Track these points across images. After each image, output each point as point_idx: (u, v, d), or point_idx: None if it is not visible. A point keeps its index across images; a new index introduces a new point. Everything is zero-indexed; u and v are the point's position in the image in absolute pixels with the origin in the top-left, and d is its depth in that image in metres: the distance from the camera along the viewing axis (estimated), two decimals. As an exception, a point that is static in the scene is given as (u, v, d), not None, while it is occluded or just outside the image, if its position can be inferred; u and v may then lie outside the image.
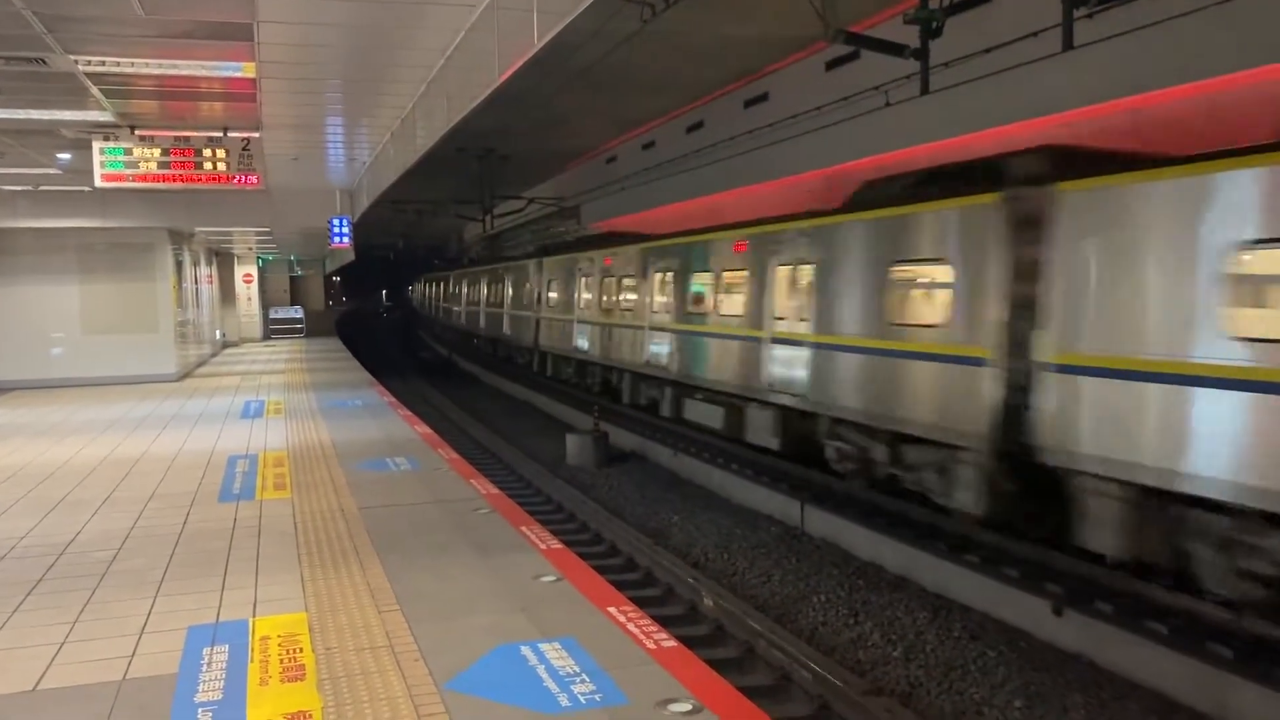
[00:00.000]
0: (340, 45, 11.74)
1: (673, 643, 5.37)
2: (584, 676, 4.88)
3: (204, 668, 5.11)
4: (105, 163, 16.25)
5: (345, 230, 24.90)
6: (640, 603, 6.99)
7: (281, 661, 5.17)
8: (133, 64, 11.72)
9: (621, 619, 5.72)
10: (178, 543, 7.77)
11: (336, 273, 57.63)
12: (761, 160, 15.90)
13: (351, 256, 35.65)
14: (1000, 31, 10.47)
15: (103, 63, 11.60)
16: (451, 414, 23.78)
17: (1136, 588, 8.32)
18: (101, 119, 15.10)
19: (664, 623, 6.36)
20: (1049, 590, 8.50)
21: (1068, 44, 8.75)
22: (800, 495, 12.27)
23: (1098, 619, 7.87)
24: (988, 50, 10.35)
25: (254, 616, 5.93)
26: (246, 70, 12.38)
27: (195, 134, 16.56)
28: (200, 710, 4.59)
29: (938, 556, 9.71)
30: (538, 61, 9.74)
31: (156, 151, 16.40)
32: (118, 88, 13.10)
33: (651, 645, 5.31)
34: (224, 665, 5.14)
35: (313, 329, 40.41)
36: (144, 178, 16.44)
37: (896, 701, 7.00)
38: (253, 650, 5.35)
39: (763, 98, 16.48)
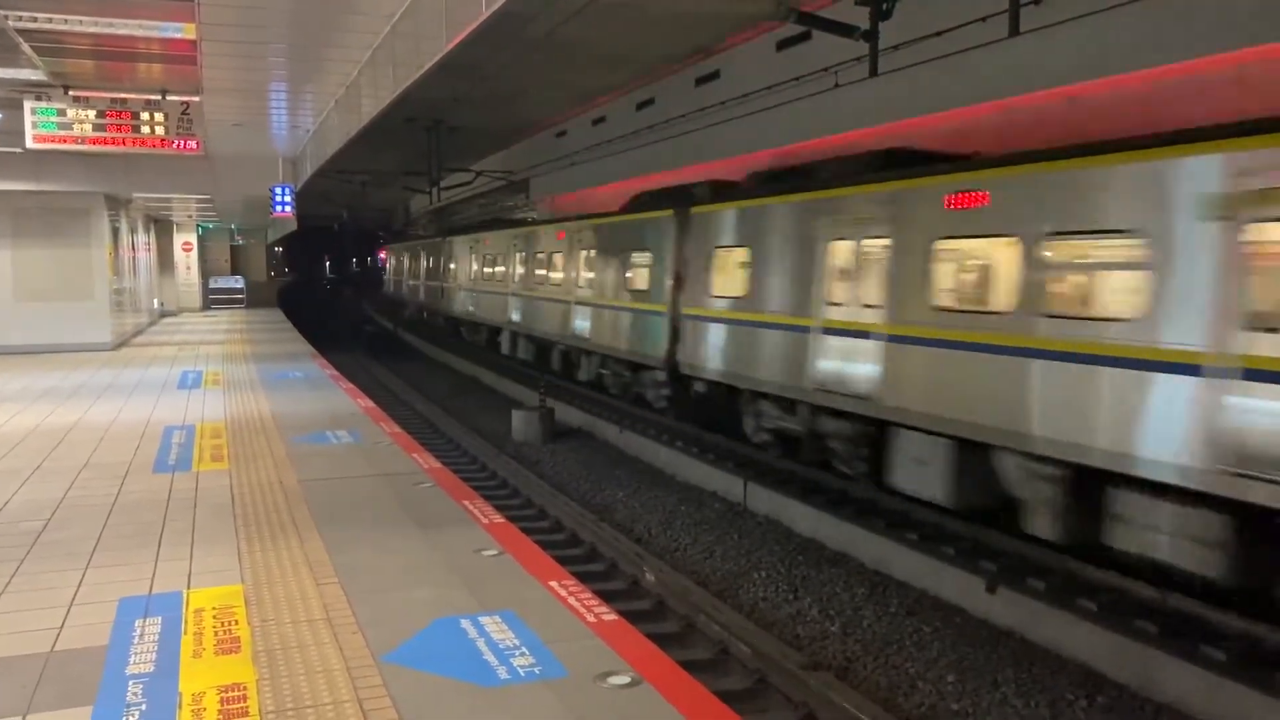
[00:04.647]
0: (284, 7, 11.49)
1: (613, 616, 5.39)
2: (523, 649, 4.88)
3: (136, 640, 5.02)
4: (37, 123, 15.78)
5: (288, 199, 24.48)
6: (583, 578, 7.01)
7: (216, 634, 5.10)
8: (66, 21, 11.36)
9: (563, 593, 5.72)
10: (110, 514, 7.61)
11: (279, 242, 56.63)
12: (712, 138, 15.94)
13: (294, 226, 35.07)
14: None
15: (34, 19, 11.23)
16: (395, 388, 23.56)
17: (1069, 565, 8.52)
18: (33, 78, 14.65)
19: (606, 598, 6.37)
20: (983, 568, 8.67)
21: (1014, 30, 8.84)
22: (744, 473, 12.37)
23: (1030, 596, 8.05)
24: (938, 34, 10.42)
25: (188, 588, 5.83)
26: (187, 31, 12.08)
27: (133, 96, 16.14)
28: (131, 682, 4.51)
29: (876, 534, 9.85)
30: (487, 31, 9.63)
31: (91, 113, 15.96)
32: (50, 45, 12.70)
33: (592, 619, 5.32)
34: (156, 637, 5.05)
35: (254, 300, 39.74)
36: (78, 140, 15.98)
37: (833, 675, 7.10)
38: (186, 622, 5.26)
39: (714, 75, 16.45)
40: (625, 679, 4.56)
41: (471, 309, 27.57)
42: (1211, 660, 6.74)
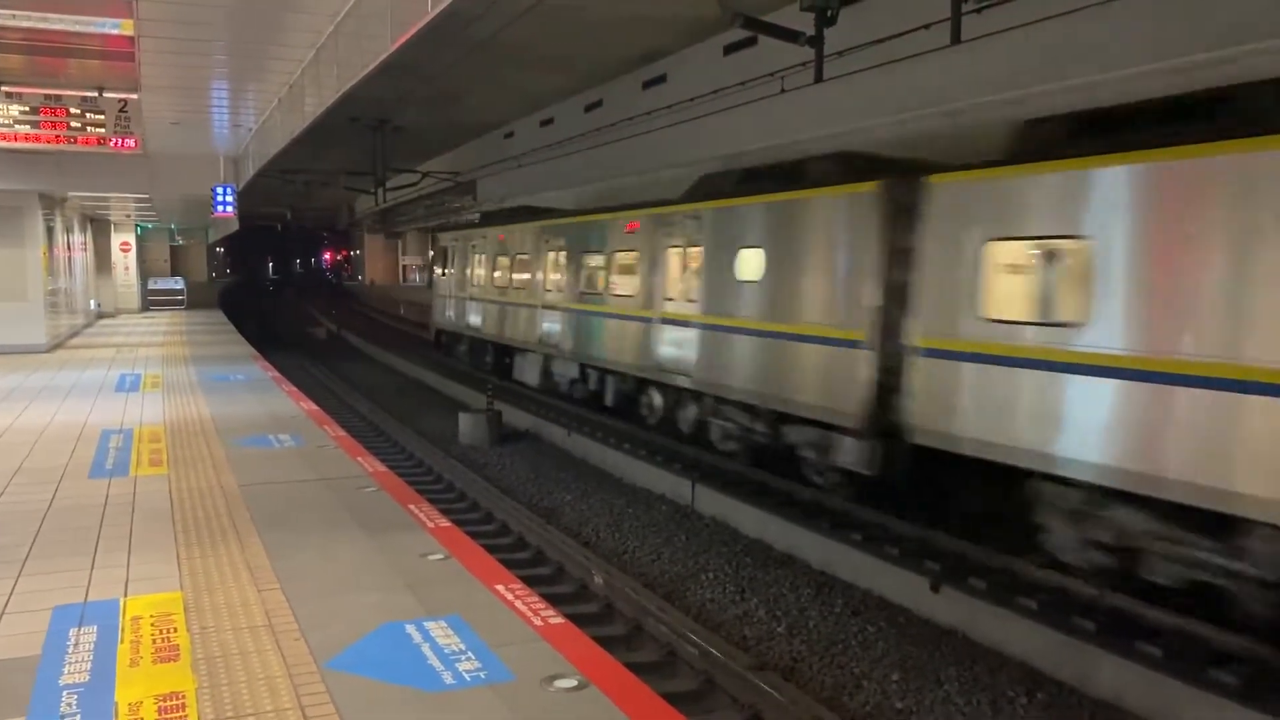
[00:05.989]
0: (224, 4, 11.30)
1: (560, 620, 5.37)
2: (469, 654, 4.84)
3: (70, 649, 4.90)
4: (-33, 119, 15.36)
5: (229, 199, 24.09)
6: (530, 581, 6.99)
7: (154, 642, 4.99)
8: (-2, 15, 11.08)
9: (509, 597, 5.69)
10: (44, 520, 7.42)
11: (221, 243, 55.72)
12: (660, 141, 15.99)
13: (236, 226, 34.54)
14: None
15: (-36, 12, 10.93)
16: (339, 390, 23.27)
17: (1011, 565, 8.66)
18: (-37, 73, 14.26)
19: (554, 601, 6.35)
20: (927, 567, 8.79)
21: (956, 38, 8.98)
22: (691, 475, 12.40)
23: (972, 595, 8.18)
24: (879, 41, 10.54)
25: (125, 596, 5.70)
26: (124, 27, 11.84)
27: (68, 93, 15.78)
28: (65, 692, 4.40)
29: (822, 535, 9.94)
30: (431, 31, 9.55)
31: (25, 110, 15.56)
32: (-19, 40, 12.38)
33: (539, 622, 5.30)
34: (92, 646, 4.93)
35: (194, 301, 39.02)
36: (10, 137, 15.61)
37: (779, 676, 7.14)
38: (123, 631, 5.14)
39: (661, 79, 16.51)
40: (572, 682, 4.54)
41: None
42: (1147, 656, 6.90)
